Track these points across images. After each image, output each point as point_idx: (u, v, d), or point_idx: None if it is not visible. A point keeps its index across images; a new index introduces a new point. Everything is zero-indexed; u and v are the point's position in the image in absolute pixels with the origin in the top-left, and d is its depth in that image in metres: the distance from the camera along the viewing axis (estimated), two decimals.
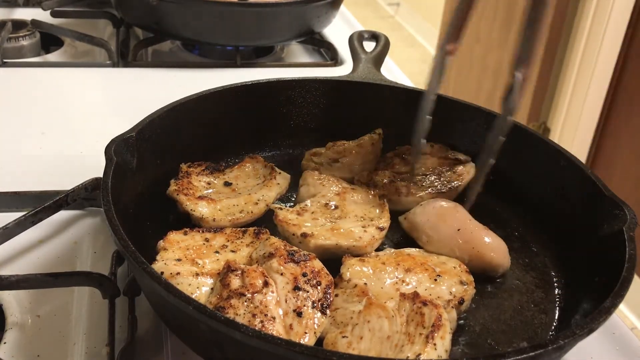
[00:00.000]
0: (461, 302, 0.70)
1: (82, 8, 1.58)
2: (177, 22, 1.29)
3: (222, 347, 0.58)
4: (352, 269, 0.72)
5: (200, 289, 0.66)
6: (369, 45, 1.12)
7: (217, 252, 0.72)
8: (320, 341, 0.64)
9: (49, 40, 1.47)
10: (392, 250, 0.77)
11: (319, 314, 0.65)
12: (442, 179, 0.90)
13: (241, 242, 0.74)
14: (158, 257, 0.70)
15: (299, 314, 0.64)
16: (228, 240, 0.75)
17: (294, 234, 0.76)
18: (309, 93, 0.99)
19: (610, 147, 2.59)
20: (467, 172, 0.91)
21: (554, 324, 0.73)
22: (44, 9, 1.46)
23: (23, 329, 0.69)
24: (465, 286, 0.71)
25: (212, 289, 0.66)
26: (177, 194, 0.81)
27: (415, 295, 0.65)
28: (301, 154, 0.97)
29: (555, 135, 2.75)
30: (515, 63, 0.74)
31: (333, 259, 0.74)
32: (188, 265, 0.69)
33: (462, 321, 0.71)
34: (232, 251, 0.73)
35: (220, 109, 0.93)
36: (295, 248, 0.71)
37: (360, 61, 1.05)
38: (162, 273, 0.66)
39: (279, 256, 0.68)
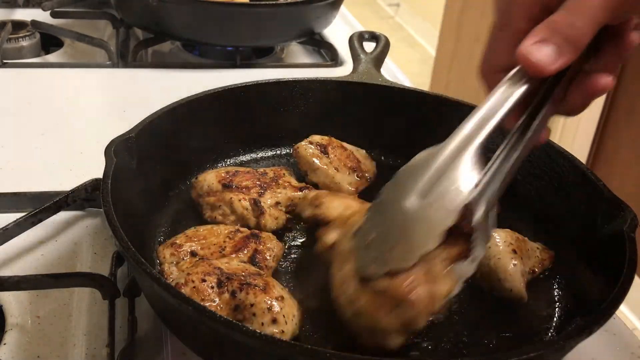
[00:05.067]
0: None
1: (82, 9, 1.58)
2: (177, 22, 1.29)
3: (222, 347, 0.58)
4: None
5: None
6: (369, 46, 1.12)
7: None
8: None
9: (48, 41, 1.47)
10: None
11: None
12: None
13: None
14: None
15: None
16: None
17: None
18: (309, 93, 0.99)
19: (610, 147, 2.59)
20: None
21: (554, 324, 0.73)
22: (44, 10, 1.46)
23: (23, 329, 0.69)
24: None
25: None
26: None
27: None
28: None
29: (555, 135, 2.75)
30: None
31: None
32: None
33: (461, 321, 0.71)
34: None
35: (221, 110, 0.93)
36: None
37: (360, 62, 1.05)
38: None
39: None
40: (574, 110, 0.70)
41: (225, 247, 0.73)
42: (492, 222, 0.62)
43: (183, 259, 0.71)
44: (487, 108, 0.63)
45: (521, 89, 0.62)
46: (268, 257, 0.73)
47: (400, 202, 0.60)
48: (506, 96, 0.62)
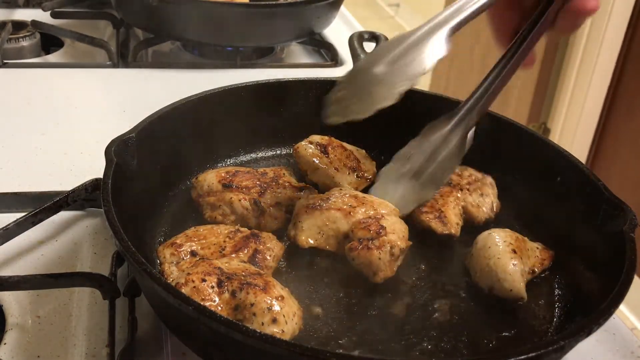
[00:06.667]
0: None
1: (82, 9, 1.58)
2: (177, 22, 1.29)
3: (222, 347, 0.58)
4: None
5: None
6: (369, 46, 1.11)
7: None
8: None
9: (49, 41, 1.47)
10: None
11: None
12: None
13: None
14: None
15: None
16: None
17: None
18: (309, 94, 0.99)
19: (610, 147, 2.59)
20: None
21: (554, 324, 0.73)
22: (44, 10, 1.46)
23: (23, 329, 0.69)
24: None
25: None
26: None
27: None
28: None
29: (555, 136, 2.75)
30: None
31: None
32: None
33: (461, 321, 0.71)
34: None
35: (220, 110, 0.93)
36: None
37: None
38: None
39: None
40: (563, 30, 0.78)
41: (225, 247, 0.73)
42: (469, 141, 0.80)
43: (183, 258, 0.71)
44: (462, 2, 0.74)
45: None
46: (268, 257, 0.73)
47: (371, 69, 0.71)
48: None
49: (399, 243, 0.74)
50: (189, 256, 0.72)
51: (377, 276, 0.73)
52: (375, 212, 0.78)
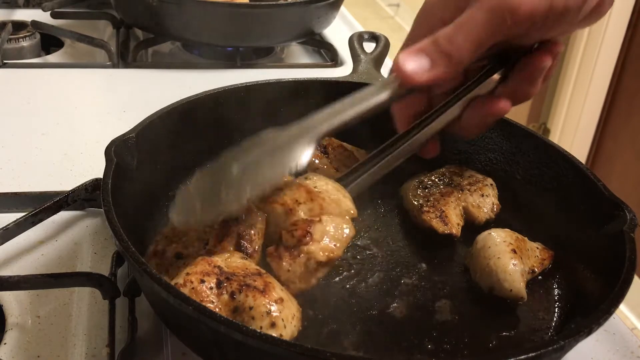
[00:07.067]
0: None
1: (82, 9, 1.58)
2: (177, 22, 1.29)
3: (222, 347, 0.58)
4: None
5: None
6: (369, 46, 1.12)
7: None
8: None
9: (49, 41, 1.47)
10: None
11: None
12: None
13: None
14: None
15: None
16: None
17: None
18: (309, 93, 0.99)
19: (610, 147, 2.59)
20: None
21: (554, 324, 0.73)
22: (44, 10, 1.46)
23: (23, 329, 0.69)
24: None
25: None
26: None
27: None
28: None
29: (555, 136, 2.75)
30: None
31: None
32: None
33: (461, 321, 0.71)
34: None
35: (220, 110, 0.93)
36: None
37: (360, 62, 1.05)
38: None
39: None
40: (467, 130, 0.73)
41: (207, 239, 0.71)
42: None
43: (171, 265, 0.69)
44: (346, 102, 0.68)
45: (384, 95, 0.66)
46: (254, 237, 0.70)
47: (229, 167, 0.65)
48: (368, 96, 0.67)
49: (319, 254, 0.68)
50: (175, 261, 0.69)
51: (289, 288, 0.68)
52: (320, 212, 0.71)
